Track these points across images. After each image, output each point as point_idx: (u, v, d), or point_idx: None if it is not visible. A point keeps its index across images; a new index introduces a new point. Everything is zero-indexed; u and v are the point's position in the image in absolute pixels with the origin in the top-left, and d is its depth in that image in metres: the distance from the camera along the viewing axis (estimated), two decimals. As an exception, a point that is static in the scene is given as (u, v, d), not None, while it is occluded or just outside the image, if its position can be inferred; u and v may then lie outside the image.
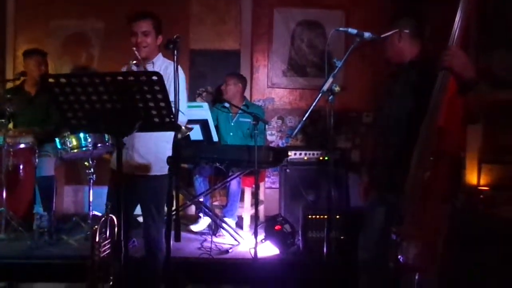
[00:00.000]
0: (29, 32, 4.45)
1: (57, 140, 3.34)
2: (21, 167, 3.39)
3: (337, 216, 3.07)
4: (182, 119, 2.38)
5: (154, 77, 1.70)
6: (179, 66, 2.15)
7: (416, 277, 1.79)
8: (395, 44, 2.07)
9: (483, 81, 1.75)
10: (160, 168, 2.30)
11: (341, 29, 2.09)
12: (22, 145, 3.39)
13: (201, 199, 3.71)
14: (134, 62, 2.31)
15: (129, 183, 2.15)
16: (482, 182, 4.19)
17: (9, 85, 3.77)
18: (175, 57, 1.94)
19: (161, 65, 2.41)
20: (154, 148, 2.34)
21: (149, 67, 2.36)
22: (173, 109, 1.82)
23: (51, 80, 1.75)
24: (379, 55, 2.21)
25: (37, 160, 3.41)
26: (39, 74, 3.63)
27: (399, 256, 1.74)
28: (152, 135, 2.27)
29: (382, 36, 2.07)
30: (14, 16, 4.43)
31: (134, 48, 2.31)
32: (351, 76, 4.33)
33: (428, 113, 1.77)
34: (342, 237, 3.03)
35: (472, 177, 4.50)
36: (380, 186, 2.10)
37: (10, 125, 3.53)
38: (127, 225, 2.21)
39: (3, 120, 3.10)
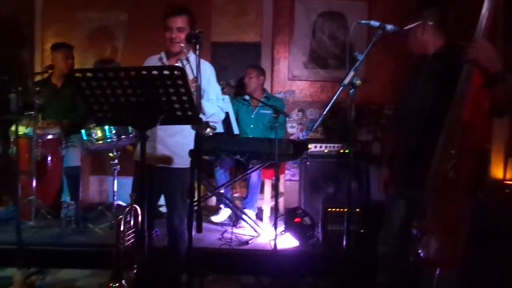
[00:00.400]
0: (55, 26, 4.57)
1: (83, 131, 3.43)
2: (49, 157, 3.51)
3: (357, 210, 3.06)
4: (220, 116, 2.42)
5: (177, 72, 1.73)
6: (207, 62, 2.19)
7: (437, 272, 1.78)
8: (418, 37, 2.04)
9: (510, 73, 1.71)
10: (187, 160, 2.36)
11: (363, 22, 2.06)
12: (50, 136, 3.50)
13: (222, 191, 3.76)
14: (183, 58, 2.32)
15: (154, 175, 2.20)
16: (508, 176, 4.10)
17: (37, 78, 3.88)
18: (198, 51, 1.96)
19: (195, 61, 2.43)
20: (182, 141, 2.37)
21: (185, 63, 2.36)
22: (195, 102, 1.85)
23: (78, 74, 1.80)
24: (402, 46, 2.18)
25: (64, 150, 3.52)
26: (66, 67, 3.73)
27: (419, 251, 1.74)
28: (182, 128, 2.29)
29: (405, 28, 2.04)
30: (42, 11, 4.54)
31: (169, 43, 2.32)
32: (373, 67, 4.28)
33: (452, 106, 1.75)
34: (362, 231, 3.03)
35: (498, 171, 4.40)
36: (401, 180, 2.09)
37: (39, 117, 3.65)
38: (150, 216, 2.29)
39: (32, 112, 3.21)
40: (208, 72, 2.43)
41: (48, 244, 3.06)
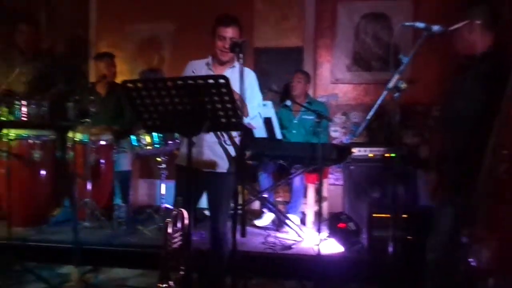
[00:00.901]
0: (108, 38, 4.84)
1: (133, 137, 3.60)
2: (102, 162, 3.70)
3: (404, 215, 2.98)
4: (258, 122, 2.47)
5: (221, 80, 1.79)
6: (250, 69, 2.24)
7: (491, 281, 1.71)
8: (465, 36, 1.97)
9: None
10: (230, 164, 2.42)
11: (407, 24, 2.03)
12: (102, 142, 3.70)
13: (265, 195, 3.80)
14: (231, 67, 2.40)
15: (198, 179, 2.26)
16: None
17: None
18: (241, 60, 2.01)
19: (239, 69, 2.48)
20: (228, 146, 2.43)
21: (231, 71, 2.42)
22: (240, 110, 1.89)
23: (129, 85, 1.90)
24: (449, 46, 2.12)
25: (115, 155, 3.71)
26: (109, 75, 3.91)
27: (470, 259, 1.68)
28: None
29: (451, 28, 1.99)
30: (96, 24, 4.83)
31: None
32: (419, 68, 4.14)
33: (503, 105, 1.68)
34: (409, 237, 2.94)
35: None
36: (449, 185, 2.03)
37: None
38: (193, 219, 2.36)
39: (88, 120, 3.40)
40: (251, 79, 2.46)
41: (102, 244, 3.23)
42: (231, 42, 2.26)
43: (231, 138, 2.22)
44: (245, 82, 2.38)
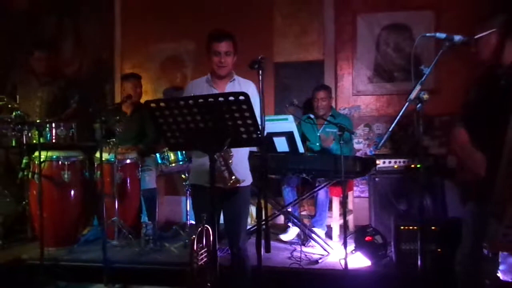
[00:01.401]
0: (132, 59, 4.99)
1: (157, 155, 3.68)
2: (128, 180, 3.78)
3: (433, 227, 2.91)
4: None
5: (241, 97, 1.82)
6: (251, 82, 2.29)
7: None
8: (491, 45, 1.94)
9: None
10: (248, 179, 2.43)
11: (428, 34, 2.02)
12: (128, 161, 3.78)
13: (289, 209, 3.78)
14: (231, 81, 2.46)
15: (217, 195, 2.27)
16: None
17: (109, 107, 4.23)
18: (260, 76, 2.04)
19: (240, 82, 2.52)
20: (244, 161, 2.46)
21: (233, 84, 2.48)
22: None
23: (152, 105, 1.95)
24: (474, 55, 2.08)
25: (140, 174, 3.78)
26: (135, 95, 4.02)
27: (497, 273, 1.62)
28: (238, 148, 2.34)
29: (477, 36, 1.95)
30: (121, 45, 4.99)
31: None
32: (444, 77, 4.09)
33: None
34: (439, 250, 2.86)
35: None
36: (474, 196, 1.97)
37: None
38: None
39: (114, 140, 3.50)
40: (254, 92, 2.45)
41: (130, 262, 3.28)
42: (225, 60, 2.32)
43: (226, 161, 2.23)
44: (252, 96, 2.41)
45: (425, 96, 1.93)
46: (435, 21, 4.25)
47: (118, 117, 3.74)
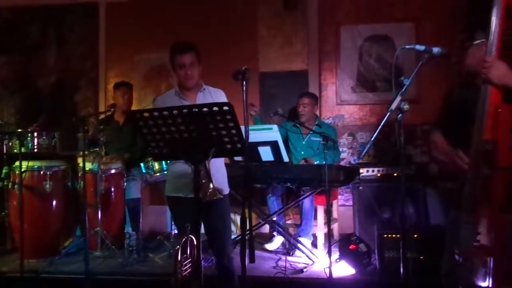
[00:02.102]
0: (117, 68, 4.97)
1: (142, 165, 3.65)
2: (112, 190, 3.74)
3: (415, 235, 2.95)
4: None
5: (226, 107, 1.83)
6: (221, 90, 2.37)
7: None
8: (479, 56, 1.97)
9: None
10: (226, 188, 2.47)
11: (407, 47, 2.07)
12: (113, 171, 3.75)
13: (274, 218, 3.79)
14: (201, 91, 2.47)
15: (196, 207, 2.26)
16: None
17: (101, 116, 4.20)
18: (244, 87, 2.05)
19: (211, 92, 2.52)
20: (220, 170, 2.47)
21: (203, 94, 2.48)
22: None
23: (137, 114, 1.95)
24: (456, 64, 2.14)
25: (125, 183, 3.75)
26: (124, 103, 4.01)
27: (469, 277, 1.66)
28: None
29: (475, 43, 1.98)
30: (105, 54, 4.97)
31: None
32: (425, 87, 4.19)
33: (475, 126, 1.70)
34: (421, 257, 2.90)
35: None
36: (454, 204, 2.02)
37: (102, 152, 3.92)
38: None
39: (97, 149, 3.46)
40: (222, 99, 2.48)
41: (113, 274, 3.23)
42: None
43: (208, 172, 2.25)
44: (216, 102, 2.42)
45: (406, 107, 1.97)
46: (415, 32, 4.36)
47: (101, 127, 3.71)
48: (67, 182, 3.71)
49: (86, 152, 3.35)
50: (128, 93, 4.10)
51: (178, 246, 2.25)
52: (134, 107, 4.43)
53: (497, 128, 1.64)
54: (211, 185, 2.23)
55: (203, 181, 2.21)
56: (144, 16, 4.86)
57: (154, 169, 3.60)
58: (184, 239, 2.27)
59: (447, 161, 1.99)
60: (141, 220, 3.77)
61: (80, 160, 3.43)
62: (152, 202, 4.50)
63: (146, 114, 1.93)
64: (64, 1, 4.96)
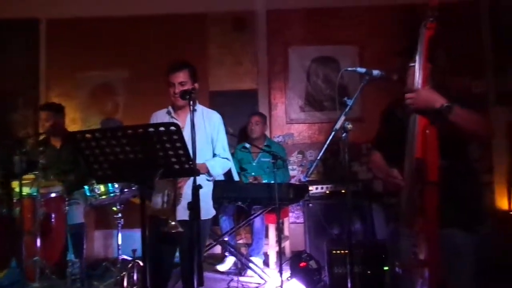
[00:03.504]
0: (58, 86, 4.75)
1: (86, 187, 3.48)
2: (52, 215, 3.51)
3: (362, 250, 3.02)
4: (225, 166, 2.51)
5: (172, 128, 1.80)
6: (216, 112, 2.39)
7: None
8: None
9: (457, 103, 1.75)
10: (211, 212, 2.45)
11: (349, 69, 2.15)
12: (53, 195, 3.52)
13: (226, 238, 3.74)
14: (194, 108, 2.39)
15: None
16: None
17: (41, 137, 3.95)
18: (191, 107, 2.04)
19: (203, 112, 2.49)
20: (209, 194, 2.43)
21: (194, 114, 2.37)
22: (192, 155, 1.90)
23: (78, 136, 1.87)
24: (399, 82, 2.24)
25: (67, 208, 3.54)
26: (45, 129, 3.71)
27: None
28: (201, 179, 2.26)
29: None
30: (46, 73, 4.75)
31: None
32: (369, 106, 4.37)
33: (407, 145, 1.82)
34: (368, 272, 2.97)
35: (502, 203, 4.37)
36: (392, 216, 2.10)
37: (41, 175, 3.69)
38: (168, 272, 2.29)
39: (37, 172, 3.26)
40: (216, 122, 2.49)
41: (53, 305, 3.02)
42: (180, 91, 2.29)
43: (174, 199, 2.19)
44: (210, 124, 2.42)
45: (349, 126, 2.04)
46: (359, 54, 4.57)
47: (41, 148, 3.51)
48: (2, 208, 3.45)
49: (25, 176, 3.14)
50: (52, 119, 3.71)
51: (124, 273, 2.16)
52: (77, 128, 4.25)
53: (426, 147, 1.75)
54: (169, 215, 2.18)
55: (165, 206, 2.16)
56: (88, 33, 4.71)
57: (99, 192, 3.44)
58: (130, 264, 2.18)
59: (383, 178, 2.08)
60: (85, 246, 3.57)
61: (16, 185, 3.21)
62: (97, 226, 4.29)
63: (88, 136, 1.85)
64: (2, 15, 4.71)
